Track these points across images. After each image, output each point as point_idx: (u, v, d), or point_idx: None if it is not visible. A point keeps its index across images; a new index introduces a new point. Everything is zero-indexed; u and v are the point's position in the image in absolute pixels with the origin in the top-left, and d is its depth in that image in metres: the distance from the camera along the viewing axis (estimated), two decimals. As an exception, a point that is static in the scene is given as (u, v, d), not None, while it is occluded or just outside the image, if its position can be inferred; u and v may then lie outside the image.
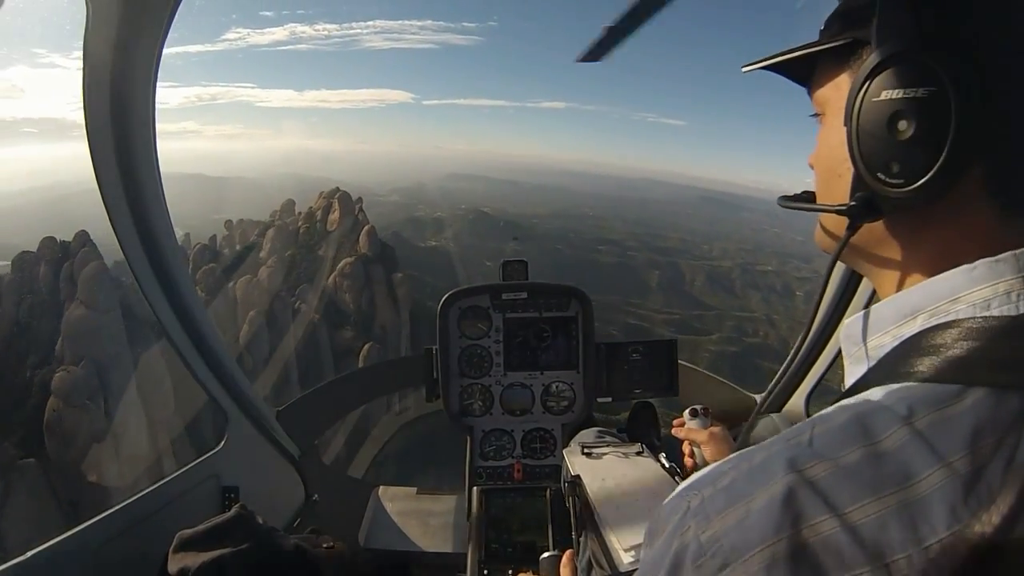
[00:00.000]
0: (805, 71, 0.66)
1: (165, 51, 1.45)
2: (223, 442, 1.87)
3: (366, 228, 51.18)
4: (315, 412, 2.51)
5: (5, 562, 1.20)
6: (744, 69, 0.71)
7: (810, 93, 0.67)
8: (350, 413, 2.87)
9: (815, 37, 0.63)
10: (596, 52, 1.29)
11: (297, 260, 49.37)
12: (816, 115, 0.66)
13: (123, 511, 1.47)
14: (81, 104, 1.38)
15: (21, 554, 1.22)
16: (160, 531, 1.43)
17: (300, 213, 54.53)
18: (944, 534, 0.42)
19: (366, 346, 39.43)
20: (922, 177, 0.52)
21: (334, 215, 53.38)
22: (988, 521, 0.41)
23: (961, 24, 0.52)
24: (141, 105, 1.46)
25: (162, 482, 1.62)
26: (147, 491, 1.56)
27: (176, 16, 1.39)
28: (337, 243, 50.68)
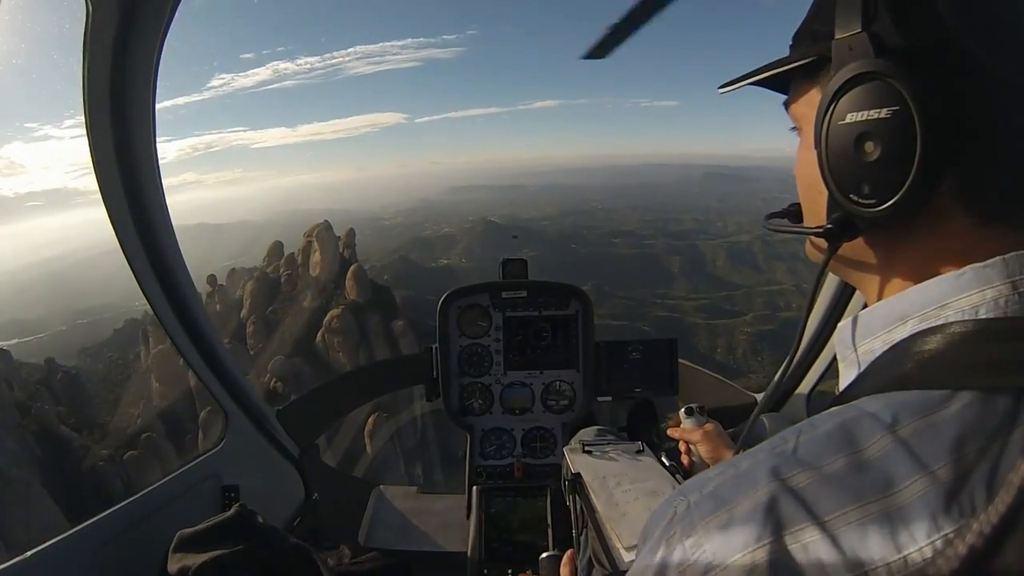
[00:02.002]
0: (782, 83, 0.66)
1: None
2: (223, 441, 1.86)
3: (352, 269, 42.84)
4: (315, 412, 2.51)
5: (5, 562, 1.20)
6: (720, 90, 0.71)
7: (786, 107, 0.67)
8: (350, 413, 2.87)
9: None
10: (600, 49, 1.28)
11: (280, 317, 41.55)
12: (794, 129, 0.66)
13: (123, 511, 1.47)
14: (81, 105, 1.38)
15: (21, 554, 1.22)
16: (160, 531, 1.43)
17: (286, 257, 47.23)
18: (925, 543, 0.42)
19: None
20: (893, 196, 0.52)
21: (315, 256, 44.99)
22: (970, 530, 0.41)
23: (919, 39, 0.51)
24: (141, 104, 1.46)
25: (162, 481, 1.62)
26: (147, 491, 1.56)
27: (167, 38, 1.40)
28: (320, 291, 43.02)
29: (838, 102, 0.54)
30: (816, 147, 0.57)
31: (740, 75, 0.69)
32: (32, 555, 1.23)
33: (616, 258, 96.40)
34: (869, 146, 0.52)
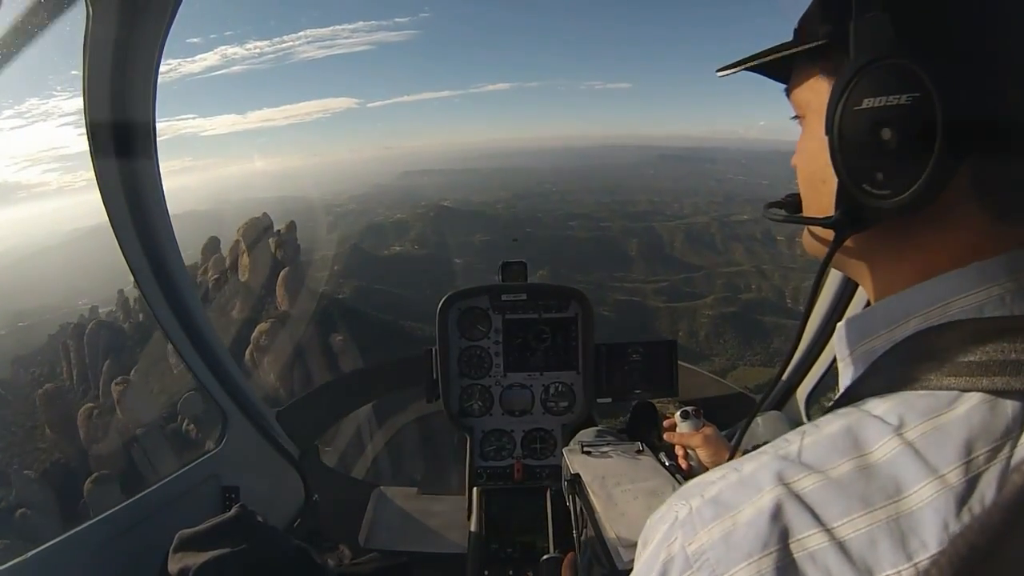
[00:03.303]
0: (782, 71, 0.64)
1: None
2: (223, 442, 1.87)
3: (283, 274, 35.93)
4: (315, 412, 2.51)
5: (5, 562, 1.20)
6: (719, 74, 0.70)
7: (788, 94, 0.65)
8: (350, 413, 2.87)
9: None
10: None
11: None
12: (796, 117, 0.64)
13: (123, 511, 1.48)
14: (82, 107, 1.38)
15: (21, 554, 1.22)
16: (160, 531, 1.43)
17: (214, 258, 38.93)
18: (935, 550, 0.41)
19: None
20: (910, 186, 0.50)
21: (243, 258, 37.46)
22: (981, 536, 0.40)
23: (941, 23, 0.50)
24: (141, 104, 1.46)
25: (162, 482, 1.63)
26: (147, 491, 1.56)
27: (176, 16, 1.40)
28: (249, 299, 35.79)
29: (854, 87, 0.51)
30: (827, 133, 0.54)
31: (739, 59, 0.67)
32: (32, 555, 1.23)
33: (572, 240, 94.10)
34: (886, 133, 0.50)
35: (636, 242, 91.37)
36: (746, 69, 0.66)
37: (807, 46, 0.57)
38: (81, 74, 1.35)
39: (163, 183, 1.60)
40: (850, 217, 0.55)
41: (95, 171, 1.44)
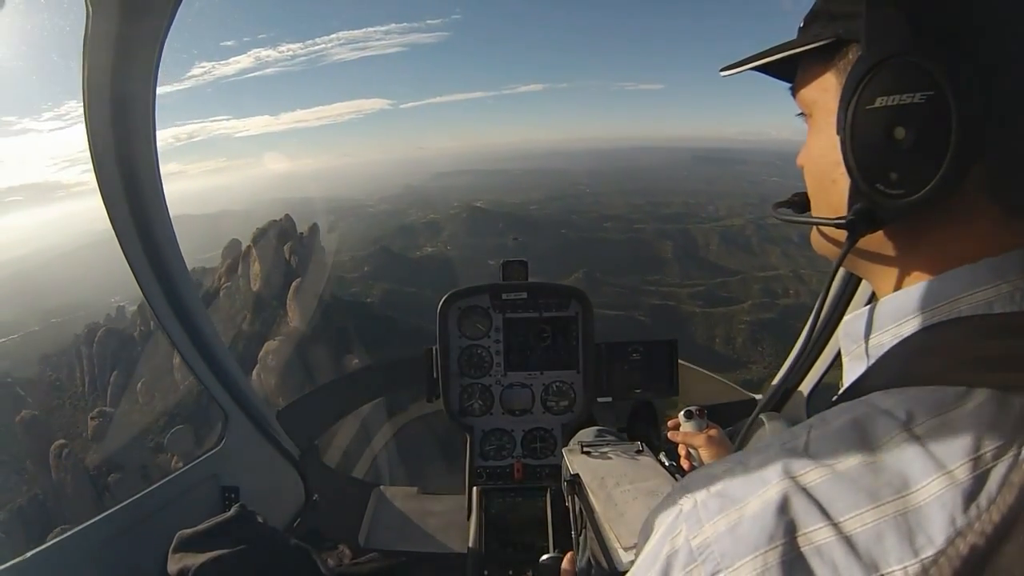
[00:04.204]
0: (788, 70, 0.63)
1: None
2: (223, 442, 1.86)
3: (294, 285, 32.06)
4: (315, 412, 2.51)
5: (6, 561, 1.20)
6: (723, 73, 0.69)
7: (794, 93, 0.64)
8: (350, 413, 2.87)
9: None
10: None
11: None
12: (802, 115, 0.63)
13: (123, 511, 1.48)
14: (82, 107, 1.38)
15: (21, 554, 1.22)
16: (160, 531, 1.43)
17: (227, 265, 35.83)
18: (942, 545, 0.41)
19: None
20: (925, 185, 0.49)
21: (255, 266, 34.55)
22: (988, 532, 0.40)
23: (954, 21, 0.49)
24: (141, 104, 1.46)
25: (162, 482, 1.62)
26: (147, 491, 1.56)
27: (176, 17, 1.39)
28: (260, 312, 32.89)
29: (867, 85, 0.51)
30: (839, 132, 0.54)
31: (744, 58, 0.66)
32: (32, 555, 1.23)
33: (606, 243, 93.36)
34: (900, 132, 0.50)
35: (671, 244, 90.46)
36: (751, 69, 0.65)
37: (816, 43, 0.56)
38: (81, 74, 1.35)
39: (163, 184, 1.59)
40: (864, 217, 0.54)
41: (95, 171, 1.44)
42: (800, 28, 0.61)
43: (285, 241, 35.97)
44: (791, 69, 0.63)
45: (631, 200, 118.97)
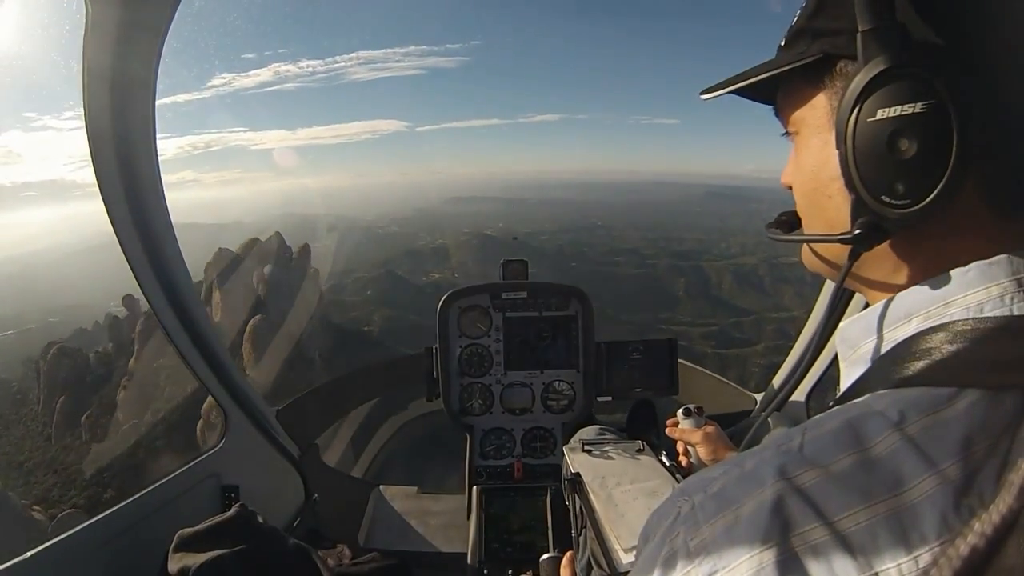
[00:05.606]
0: (767, 91, 0.63)
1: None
2: (223, 441, 1.86)
3: (252, 324, 27.25)
4: (315, 412, 2.51)
5: (6, 561, 1.20)
6: (704, 97, 0.68)
7: (777, 112, 0.64)
8: (350, 412, 2.87)
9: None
10: None
11: (158, 388, 24.26)
12: (787, 135, 0.63)
13: (123, 511, 1.47)
14: (81, 110, 1.38)
15: (22, 553, 1.22)
16: (160, 531, 1.43)
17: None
18: (935, 543, 0.41)
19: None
20: (929, 193, 0.50)
21: (215, 295, 31.78)
22: (979, 529, 0.41)
23: (949, 29, 0.50)
24: (141, 104, 1.46)
25: (162, 481, 1.62)
26: (147, 491, 1.56)
27: (169, 34, 1.40)
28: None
29: (866, 98, 0.51)
30: (839, 147, 0.54)
31: (725, 79, 0.65)
32: (32, 555, 1.23)
33: (618, 278, 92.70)
34: (903, 143, 0.50)
35: (683, 281, 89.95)
36: (730, 92, 0.64)
37: (802, 61, 0.57)
38: (80, 73, 1.35)
39: (164, 186, 1.60)
40: (871, 231, 0.55)
41: (95, 172, 1.44)
42: (780, 47, 0.61)
43: (264, 264, 31.52)
44: (771, 90, 0.63)
45: (644, 235, 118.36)
